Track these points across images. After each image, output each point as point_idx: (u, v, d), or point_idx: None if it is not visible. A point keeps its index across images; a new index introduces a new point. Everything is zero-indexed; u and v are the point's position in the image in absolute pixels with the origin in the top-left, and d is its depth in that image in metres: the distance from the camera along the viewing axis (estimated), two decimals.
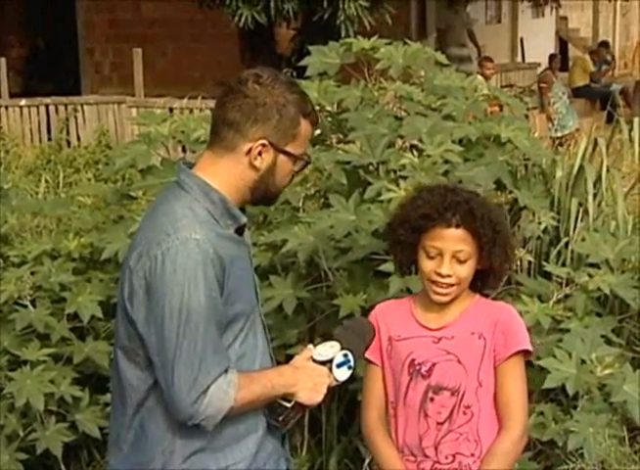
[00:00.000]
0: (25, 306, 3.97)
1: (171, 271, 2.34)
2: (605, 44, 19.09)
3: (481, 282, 2.83)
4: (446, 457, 2.76)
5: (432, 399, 2.76)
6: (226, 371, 2.39)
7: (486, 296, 2.90)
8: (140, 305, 2.41)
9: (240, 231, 2.53)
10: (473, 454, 2.76)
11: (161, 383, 2.39)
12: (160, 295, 2.35)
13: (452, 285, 2.74)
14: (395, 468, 2.79)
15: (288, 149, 2.49)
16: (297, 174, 2.62)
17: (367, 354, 2.78)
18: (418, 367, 2.77)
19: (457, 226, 2.71)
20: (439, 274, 2.72)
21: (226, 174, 2.48)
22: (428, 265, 2.75)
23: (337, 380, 2.55)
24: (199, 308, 2.34)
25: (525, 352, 2.81)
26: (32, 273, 4.10)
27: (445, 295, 2.75)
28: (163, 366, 2.37)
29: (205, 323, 2.35)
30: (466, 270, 2.74)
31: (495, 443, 2.75)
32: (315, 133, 4.04)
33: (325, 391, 2.53)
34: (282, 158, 2.50)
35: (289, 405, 2.49)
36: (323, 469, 4.01)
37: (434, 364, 2.76)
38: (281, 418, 2.50)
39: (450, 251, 2.71)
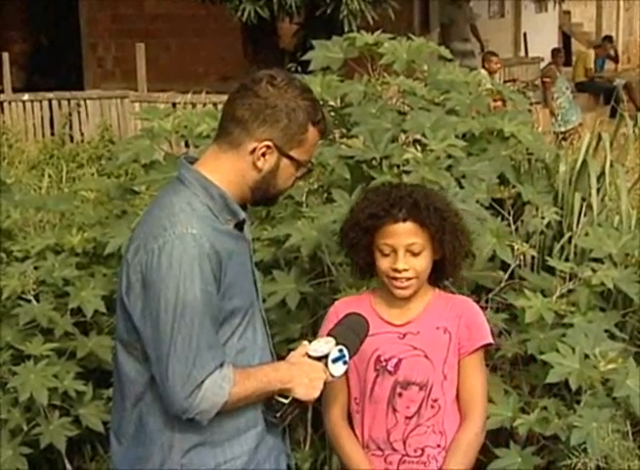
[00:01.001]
0: (29, 301, 3.97)
1: (167, 265, 2.35)
2: (609, 38, 19.08)
3: (439, 273, 2.87)
4: (415, 450, 2.83)
5: (400, 395, 2.81)
6: (221, 366, 2.39)
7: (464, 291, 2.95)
8: (137, 299, 2.41)
9: (239, 227, 2.53)
10: (439, 445, 2.83)
11: (156, 377, 2.40)
12: (156, 289, 2.36)
13: (411, 278, 2.78)
14: (360, 460, 2.83)
15: (292, 154, 2.49)
16: (298, 179, 2.62)
17: None
18: (384, 364, 2.82)
19: (404, 220, 2.76)
20: (396, 270, 2.76)
21: (228, 170, 2.48)
22: (384, 263, 2.80)
23: (332, 375, 2.56)
24: (194, 303, 2.34)
25: (487, 345, 2.90)
26: (36, 268, 4.10)
27: (406, 288, 2.80)
28: (158, 360, 2.37)
29: (200, 318, 2.35)
30: (422, 262, 2.78)
31: (459, 434, 2.83)
32: None
33: (321, 386, 2.53)
34: (285, 162, 2.50)
35: (286, 401, 2.50)
36: (326, 464, 4.01)
37: (400, 360, 2.81)
38: (278, 414, 2.50)
39: (403, 245, 2.76)
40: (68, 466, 4.03)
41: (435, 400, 2.82)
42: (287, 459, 2.69)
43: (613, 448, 3.32)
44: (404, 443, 2.82)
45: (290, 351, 2.66)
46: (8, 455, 3.82)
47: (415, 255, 2.77)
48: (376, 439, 2.85)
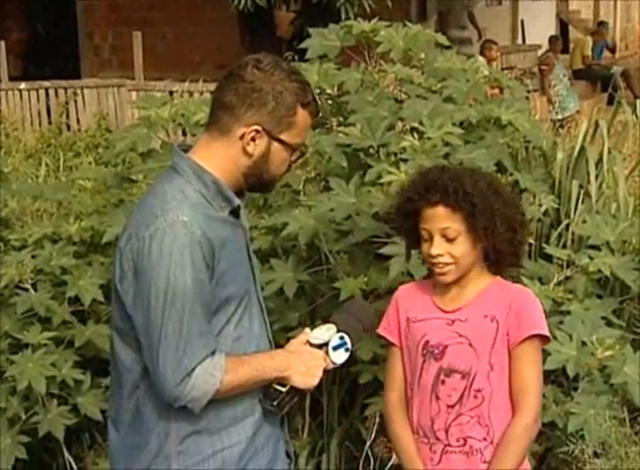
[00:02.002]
0: (27, 290, 3.98)
1: (158, 253, 2.33)
2: (604, 24, 19.03)
3: (494, 262, 2.77)
4: (457, 440, 2.73)
5: (443, 382, 2.74)
6: (213, 353, 2.38)
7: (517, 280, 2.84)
8: (129, 287, 2.40)
9: (235, 213, 2.53)
10: (485, 439, 2.72)
11: (148, 364, 2.39)
12: (147, 276, 2.35)
13: (449, 264, 2.71)
14: (409, 454, 2.79)
15: (282, 137, 2.47)
16: (293, 164, 2.58)
17: (387, 336, 2.79)
18: (431, 349, 2.76)
19: (437, 204, 2.68)
20: (431, 255, 2.72)
21: (219, 158, 2.47)
22: (424, 248, 2.74)
23: (334, 363, 2.54)
24: (185, 290, 2.33)
25: (542, 338, 2.76)
26: (33, 257, 4.10)
27: (445, 274, 2.72)
28: (149, 348, 2.37)
29: (190, 305, 2.34)
30: (459, 248, 2.70)
31: (508, 428, 2.71)
32: None
33: (320, 374, 2.51)
34: (276, 145, 2.47)
35: (284, 390, 2.48)
36: (324, 451, 4.02)
37: (445, 347, 2.74)
38: (276, 403, 2.49)
39: (437, 230, 2.69)
40: (67, 454, 4.04)
41: (479, 391, 2.72)
42: (285, 446, 2.69)
43: (610, 435, 3.33)
44: (446, 432, 2.74)
45: (288, 339, 2.65)
46: (7, 444, 3.83)
47: (450, 240, 2.68)
48: (423, 426, 2.78)
